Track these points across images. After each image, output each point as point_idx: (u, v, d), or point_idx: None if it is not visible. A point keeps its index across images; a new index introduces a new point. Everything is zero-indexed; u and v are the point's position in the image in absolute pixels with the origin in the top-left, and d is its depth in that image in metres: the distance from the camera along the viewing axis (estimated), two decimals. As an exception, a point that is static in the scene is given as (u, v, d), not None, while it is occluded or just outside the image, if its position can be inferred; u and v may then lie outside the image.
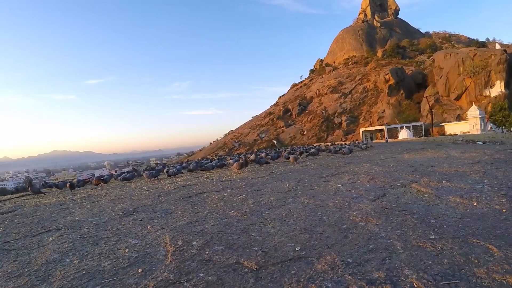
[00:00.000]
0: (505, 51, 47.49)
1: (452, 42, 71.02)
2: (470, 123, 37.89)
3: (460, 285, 1.36)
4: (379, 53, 73.77)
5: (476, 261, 1.56)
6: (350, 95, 62.24)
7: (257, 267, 1.65)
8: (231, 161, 7.54)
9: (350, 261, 1.65)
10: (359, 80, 65.55)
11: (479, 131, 34.31)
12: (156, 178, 5.59)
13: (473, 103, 42.07)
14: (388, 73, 57.68)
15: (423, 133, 40.82)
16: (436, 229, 2.04)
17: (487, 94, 45.83)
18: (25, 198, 4.61)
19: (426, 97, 49.60)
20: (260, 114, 78.69)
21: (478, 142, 9.96)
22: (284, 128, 63.10)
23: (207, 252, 1.89)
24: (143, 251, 1.99)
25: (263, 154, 9.22)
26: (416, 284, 1.38)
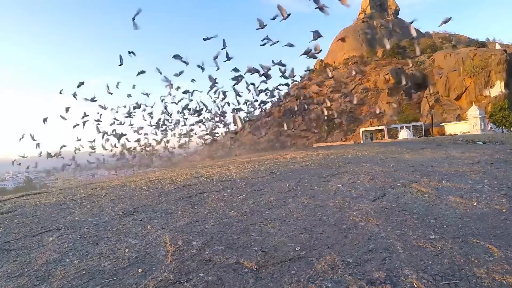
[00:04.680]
0: (505, 51, 47.49)
1: (452, 42, 71.01)
2: (470, 123, 37.90)
3: (460, 285, 1.36)
4: (379, 53, 73.71)
5: (476, 261, 1.56)
6: (350, 95, 62.18)
7: (257, 267, 1.65)
8: None
9: (350, 261, 1.65)
10: (359, 80, 65.51)
11: (479, 131, 34.32)
12: None
13: (473, 103, 42.06)
14: (388, 73, 57.71)
15: (423, 133, 40.82)
16: (436, 229, 2.04)
17: (487, 94, 45.81)
18: (25, 198, 4.61)
19: (426, 97, 49.59)
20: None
21: (478, 142, 9.97)
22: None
23: (207, 252, 1.89)
24: (143, 251, 1.99)
25: None
26: (416, 284, 1.38)
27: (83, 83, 12.87)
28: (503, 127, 33.30)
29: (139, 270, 1.70)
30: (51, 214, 3.26)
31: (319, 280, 1.48)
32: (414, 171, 4.27)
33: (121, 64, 11.95)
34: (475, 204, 2.58)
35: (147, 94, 14.33)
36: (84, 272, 1.73)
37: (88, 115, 13.90)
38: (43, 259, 1.97)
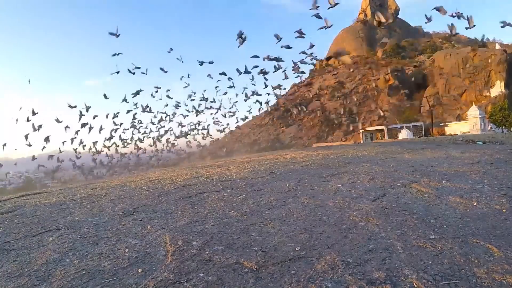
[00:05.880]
0: (505, 51, 47.51)
1: (452, 42, 70.92)
2: (470, 123, 37.91)
3: (460, 285, 1.36)
4: (379, 53, 73.71)
5: (476, 261, 1.56)
6: (350, 95, 62.22)
7: (257, 267, 1.65)
8: None
9: (350, 261, 1.65)
10: (359, 80, 65.56)
11: (479, 131, 34.33)
12: None
13: (473, 103, 42.07)
14: (388, 73, 57.75)
15: (423, 133, 40.83)
16: (436, 229, 2.04)
17: (487, 94, 45.83)
18: (25, 198, 4.61)
19: (426, 97, 49.59)
20: (260, 114, 78.55)
21: (478, 142, 9.97)
22: (284, 128, 63.12)
23: (207, 252, 1.90)
24: (143, 251, 1.99)
25: None
26: (416, 284, 1.38)
27: (37, 112, 15.72)
28: (503, 127, 33.29)
29: (139, 270, 1.70)
30: (51, 214, 3.26)
31: (319, 280, 1.48)
32: (414, 171, 4.27)
33: (118, 72, 14.36)
34: (475, 204, 2.58)
35: (126, 100, 16.63)
36: (84, 272, 1.73)
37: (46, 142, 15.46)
38: (43, 259, 1.97)
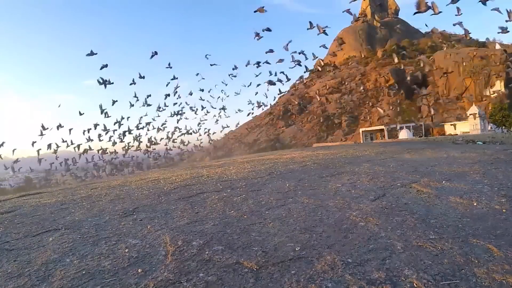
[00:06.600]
0: (505, 51, 47.51)
1: (452, 42, 70.88)
2: (470, 123, 37.91)
3: (460, 285, 1.36)
4: (379, 53, 73.69)
5: (476, 261, 1.56)
6: (350, 95, 62.23)
7: (257, 267, 1.65)
8: None
9: (350, 261, 1.65)
10: (359, 80, 65.54)
11: (479, 131, 34.33)
12: None
13: (473, 103, 42.09)
14: (388, 73, 57.76)
15: (423, 133, 40.83)
16: (436, 229, 2.04)
17: (487, 94, 45.85)
18: (25, 198, 4.61)
19: (426, 98, 49.59)
20: (260, 114, 78.56)
21: (478, 142, 9.98)
22: (284, 128, 63.14)
23: (207, 252, 1.89)
24: (143, 251, 1.99)
25: None
26: (416, 284, 1.38)
27: (3, 143, 17.75)
28: (503, 127, 33.27)
29: (139, 270, 1.70)
30: (51, 214, 3.26)
31: (319, 280, 1.48)
32: (414, 171, 4.27)
33: (133, 83, 16.45)
34: (475, 204, 2.58)
35: (103, 110, 18.49)
36: (84, 272, 1.73)
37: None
38: (43, 259, 1.97)
